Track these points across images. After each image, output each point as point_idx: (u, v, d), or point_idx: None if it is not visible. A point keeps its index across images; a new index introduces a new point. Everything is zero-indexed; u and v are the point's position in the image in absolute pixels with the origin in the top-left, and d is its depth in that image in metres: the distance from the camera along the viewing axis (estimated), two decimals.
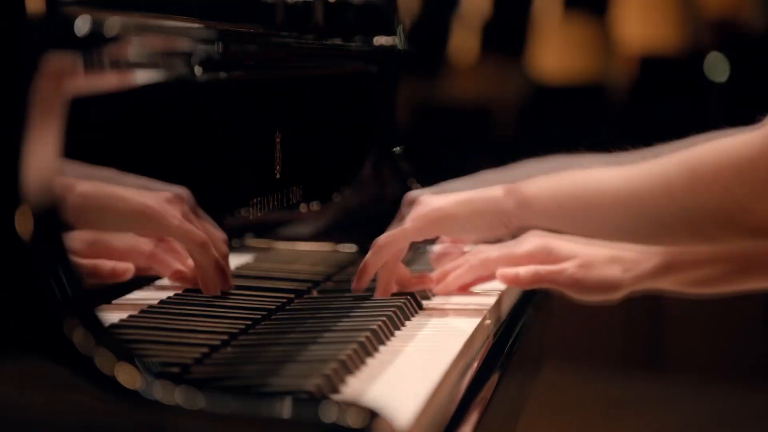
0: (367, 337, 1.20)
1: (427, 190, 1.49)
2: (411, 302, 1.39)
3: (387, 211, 1.88)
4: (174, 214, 1.32)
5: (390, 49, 1.88)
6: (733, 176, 1.29)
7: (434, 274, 1.51)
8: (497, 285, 1.51)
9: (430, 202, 1.42)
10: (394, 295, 1.42)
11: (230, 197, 1.53)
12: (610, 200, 1.35)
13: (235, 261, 1.59)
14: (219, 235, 1.38)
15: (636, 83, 5.67)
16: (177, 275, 1.38)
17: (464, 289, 1.50)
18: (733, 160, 1.32)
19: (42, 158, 0.95)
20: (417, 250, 1.82)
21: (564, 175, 1.40)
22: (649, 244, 1.46)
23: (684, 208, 1.31)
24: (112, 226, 1.29)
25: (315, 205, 1.77)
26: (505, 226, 1.41)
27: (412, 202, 1.45)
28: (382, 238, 1.42)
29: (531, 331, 1.53)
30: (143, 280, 1.38)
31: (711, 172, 1.31)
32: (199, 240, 1.33)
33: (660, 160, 1.35)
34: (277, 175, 1.61)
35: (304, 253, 1.77)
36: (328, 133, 1.83)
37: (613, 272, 1.49)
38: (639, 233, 1.38)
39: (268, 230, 1.72)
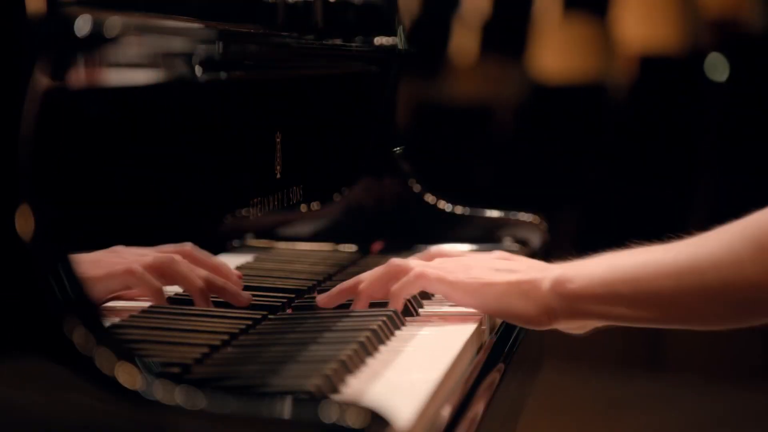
0: (367, 337, 1.20)
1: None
2: (411, 302, 1.39)
3: (387, 211, 1.88)
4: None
5: (390, 49, 1.88)
6: None
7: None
8: None
9: (481, 273, 1.34)
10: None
11: (231, 197, 1.53)
12: (666, 276, 1.27)
13: (236, 261, 1.59)
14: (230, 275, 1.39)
15: (636, 83, 5.67)
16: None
17: None
18: None
19: (42, 158, 0.95)
20: (418, 250, 1.82)
21: (611, 257, 1.32)
22: (705, 323, 1.33)
23: (753, 282, 1.24)
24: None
25: (315, 205, 1.77)
26: (549, 319, 1.32)
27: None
28: (432, 273, 1.34)
29: (531, 331, 1.53)
30: None
31: None
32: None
33: (717, 232, 1.27)
34: (278, 175, 1.61)
35: (305, 253, 1.77)
36: (328, 133, 1.83)
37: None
38: (698, 310, 1.29)
39: (268, 230, 1.72)
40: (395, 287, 1.33)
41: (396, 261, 1.36)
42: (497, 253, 1.42)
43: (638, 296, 1.28)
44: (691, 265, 1.26)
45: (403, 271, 1.34)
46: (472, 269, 1.34)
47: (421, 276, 1.33)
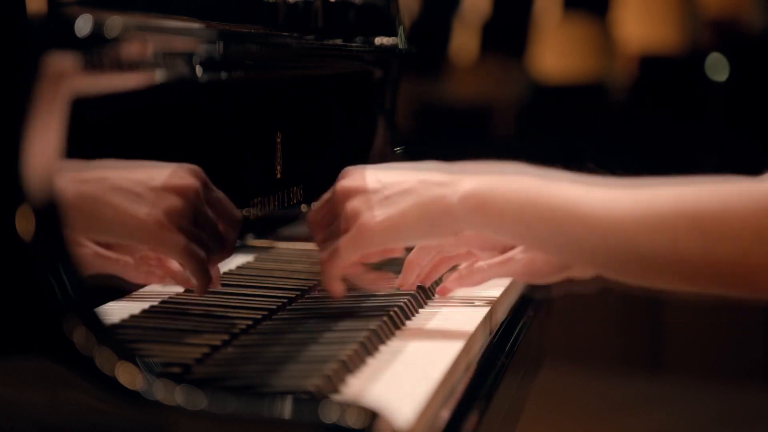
0: (367, 337, 1.20)
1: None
2: (412, 302, 1.39)
3: None
4: (168, 231, 1.24)
5: (391, 49, 1.88)
6: (751, 237, 1.14)
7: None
8: (496, 289, 1.51)
9: (370, 217, 1.26)
10: (395, 294, 1.41)
11: (231, 197, 1.53)
12: (584, 223, 1.19)
13: (236, 261, 1.60)
14: (232, 216, 1.35)
15: (636, 83, 5.67)
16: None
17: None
18: (749, 219, 1.15)
19: (43, 158, 0.95)
20: None
21: (527, 181, 1.25)
22: (623, 278, 1.23)
23: (689, 260, 1.16)
24: (108, 234, 1.24)
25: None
26: (454, 233, 1.26)
27: (347, 192, 1.31)
28: (325, 258, 1.29)
29: (531, 332, 1.53)
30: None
31: (725, 230, 1.15)
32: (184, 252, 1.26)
33: (650, 193, 1.19)
34: (278, 175, 1.61)
35: (305, 252, 1.76)
36: (328, 134, 1.83)
37: None
38: (615, 267, 1.21)
39: (269, 230, 1.72)
40: (326, 262, 1.29)
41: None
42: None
43: (558, 239, 1.21)
44: (622, 223, 1.18)
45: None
46: (360, 215, 1.26)
47: (325, 264, 1.29)
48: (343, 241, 1.27)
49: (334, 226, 1.30)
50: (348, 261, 1.28)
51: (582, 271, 1.35)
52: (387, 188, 1.27)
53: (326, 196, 1.34)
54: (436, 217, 1.24)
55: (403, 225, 1.25)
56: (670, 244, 1.16)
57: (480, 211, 1.23)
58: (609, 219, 1.18)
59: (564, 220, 1.20)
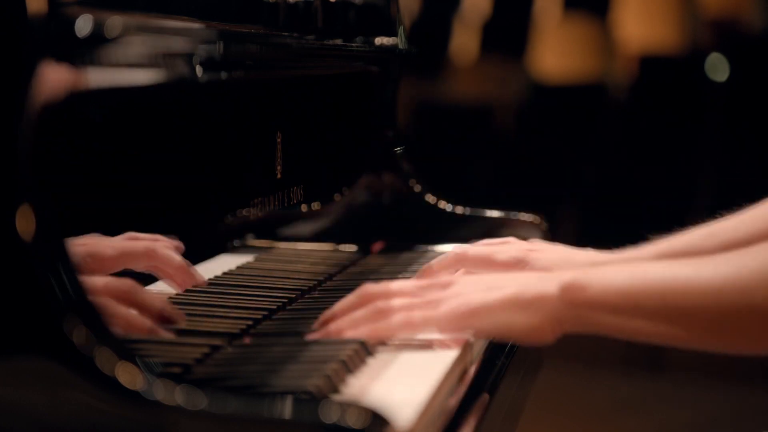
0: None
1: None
2: None
3: (388, 212, 1.88)
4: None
5: (391, 49, 1.88)
6: None
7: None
8: None
9: (472, 296, 1.21)
10: None
11: (232, 197, 1.53)
12: (696, 288, 1.15)
13: (237, 261, 1.60)
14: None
15: (636, 83, 5.67)
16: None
17: None
18: None
19: (43, 158, 0.95)
20: (418, 250, 1.82)
21: (620, 265, 1.24)
22: (732, 342, 1.20)
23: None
24: None
25: (316, 205, 1.78)
26: (552, 324, 1.20)
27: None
28: (413, 319, 1.21)
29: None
30: (143, 279, 1.38)
31: None
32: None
33: (759, 248, 1.16)
34: (278, 176, 1.61)
35: (305, 252, 1.77)
36: (328, 134, 1.83)
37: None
38: (729, 327, 1.16)
39: (269, 230, 1.72)
40: (378, 332, 1.21)
41: (376, 302, 1.22)
42: (482, 249, 1.38)
43: (664, 312, 1.17)
44: (734, 281, 1.14)
45: (384, 313, 1.21)
46: (460, 295, 1.21)
47: (407, 324, 1.20)
48: (441, 314, 1.20)
49: (427, 286, 1.25)
50: (430, 327, 1.22)
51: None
52: (492, 280, 1.24)
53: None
54: (531, 310, 1.19)
55: (494, 312, 1.20)
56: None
57: (581, 298, 1.18)
58: (721, 280, 1.15)
59: (673, 293, 1.16)
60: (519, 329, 1.19)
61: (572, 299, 1.18)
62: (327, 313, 1.23)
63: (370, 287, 1.23)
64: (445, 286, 1.23)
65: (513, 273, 1.30)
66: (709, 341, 1.19)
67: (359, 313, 1.21)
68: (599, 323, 1.19)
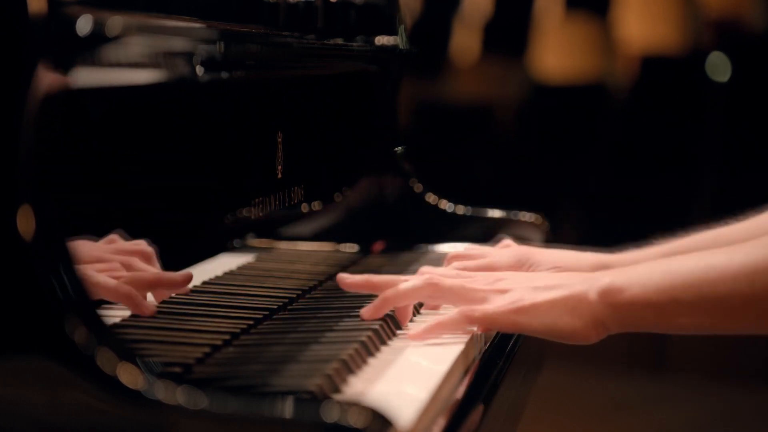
0: (368, 337, 1.20)
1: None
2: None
3: (388, 212, 1.88)
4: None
5: (391, 49, 1.88)
6: None
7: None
8: None
9: (520, 293, 1.25)
10: None
11: (232, 197, 1.53)
12: (731, 276, 1.19)
13: (237, 261, 1.60)
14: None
15: (637, 83, 5.67)
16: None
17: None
18: None
19: (43, 158, 0.95)
20: (419, 250, 1.82)
21: (663, 262, 1.25)
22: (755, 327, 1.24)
23: None
24: None
25: (316, 205, 1.77)
26: (595, 326, 1.24)
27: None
28: (471, 312, 1.25)
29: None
30: None
31: None
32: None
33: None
34: (279, 175, 1.61)
35: (306, 252, 1.77)
36: (329, 133, 1.83)
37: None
38: (752, 315, 1.21)
39: (269, 230, 1.72)
40: (435, 328, 1.25)
41: (437, 285, 1.28)
42: (518, 251, 1.42)
43: (702, 303, 1.20)
44: (766, 264, 1.17)
45: (453, 298, 1.28)
46: (511, 291, 1.26)
47: (466, 318, 1.25)
48: (494, 308, 1.25)
49: (475, 280, 1.30)
50: (482, 325, 1.26)
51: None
52: (538, 279, 1.28)
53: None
54: (576, 313, 1.23)
55: (543, 313, 1.24)
56: None
57: (621, 300, 1.22)
58: (751, 267, 1.18)
59: (707, 280, 1.20)
60: (564, 330, 1.23)
61: (612, 302, 1.22)
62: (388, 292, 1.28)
63: (434, 276, 1.29)
64: (490, 282, 1.28)
65: (558, 273, 1.35)
66: (749, 326, 1.23)
67: (414, 281, 1.28)
68: (641, 322, 1.23)
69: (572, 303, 1.23)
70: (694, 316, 1.22)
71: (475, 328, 1.27)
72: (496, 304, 1.25)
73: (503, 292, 1.26)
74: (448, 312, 1.26)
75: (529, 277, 1.30)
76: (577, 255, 1.51)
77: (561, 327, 1.23)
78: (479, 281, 1.29)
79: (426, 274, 1.31)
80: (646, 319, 1.23)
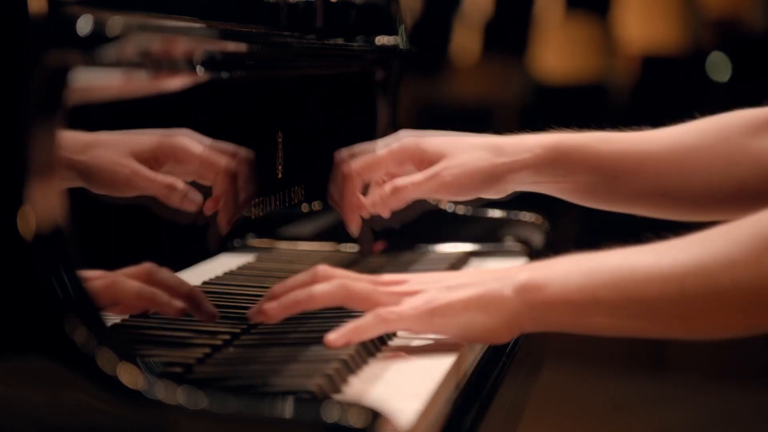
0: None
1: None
2: None
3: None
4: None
5: (392, 49, 1.88)
6: None
7: None
8: None
9: (433, 294, 1.19)
10: None
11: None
12: (657, 277, 1.12)
13: (237, 261, 1.60)
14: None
15: (637, 83, 5.67)
16: None
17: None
18: None
19: (44, 158, 0.95)
20: (419, 250, 1.82)
21: (579, 257, 1.17)
22: (700, 329, 1.19)
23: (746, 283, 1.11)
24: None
25: (317, 205, 1.77)
26: (510, 329, 1.18)
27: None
28: (388, 314, 1.19)
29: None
30: None
31: None
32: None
33: (721, 231, 1.14)
34: (279, 175, 1.61)
35: (306, 253, 1.77)
36: (329, 133, 1.83)
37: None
38: (697, 317, 1.15)
39: (270, 230, 1.72)
40: (352, 333, 1.17)
41: (348, 290, 1.20)
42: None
43: (626, 304, 1.13)
44: (697, 266, 1.11)
45: (364, 303, 1.20)
46: (423, 292, 1.20)
47: (381, 321, 1.18)
48: (407, 309, 1.18)
49: (383, 282, 1.24)
50: (397, 327, 1.21)
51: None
52: (448, 279, 1.22)
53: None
54: (492, 312, 1.17)
55: (458, 314, 1.18)
56: (758, 274, 1.10)
57: (539, 299, 1.15)
58: (683, 267, 1.12)
59: (635, 284, 1.13)
60: (477, 330, 1.18)
61: (529, 300, 1.15)
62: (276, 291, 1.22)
63: (322, 268, 1.22)
64: (401, 282, 1.23)
65: (470, 271, 1.28)
66: (674, 330, 1.18)
67: (323, 286, 1.20)
68: (558, 321, 1.16)
69: (486, 301, 1.16)
70: (616, 318, 1.14)
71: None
72: (410, 305, 1.18)
73: (415, 293, 1.20)
74: (364, 316, 1.18)
75: (439, 277, 1.23)
76: (463, 139, 1.54)
77: (476, 327, 1.17)
78: (387, 282, 1.23)
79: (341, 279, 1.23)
80: (563, 318, 1.15)
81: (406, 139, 1.49)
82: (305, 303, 1.20)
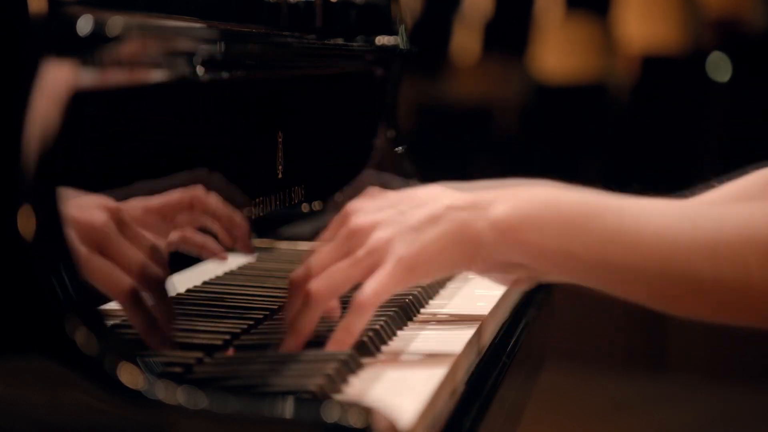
0: (369, 337, 1.20)
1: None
2: (413, 302, 1.39)
3: None
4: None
5: (392, 49, 1.88)
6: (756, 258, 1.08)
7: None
8: (498, 290, 1.51)
9: (404, 250, 1.12)
10: (397, 296, 1.41)
11: (233, 197, 1.53)
12: (640, 250, 1.08)
13: (238, 261, 1.60)
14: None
15: (638, 83, 5.67)
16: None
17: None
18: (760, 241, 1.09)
19: (44, 158, 0.95)
20: None
21: (566, 202, 1.12)
22: (673, 308, 1.15)
23: (761, 291, 1.08)
24: None
25: (317, 205, 1.78)
26: (486, 262, 1.14)
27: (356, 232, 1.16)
28: (366, 298, 1.13)
29: (533, 331, 1.53)
30: None
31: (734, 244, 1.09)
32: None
33: (711, 216, 1.12)
34: (279, 175, 1.61)
35: (307, 253, 1.76)
36: (330, 133, 1.83)
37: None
38: (669, 297, 1.12)
39: (270, 230, 1.72)
40: (344, 335, 1.13)
41: (315, 294, 1.13)
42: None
43: (601, 266, 1.10)
44: (681, 247, 1.09)
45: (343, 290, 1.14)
46: (392, 246, 1.12)
47: (363, 306, 1.13)
48: (382, 280, 1.12)
49: (352, 257, 1.15)
50: (382, 300, 1.14)
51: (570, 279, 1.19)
52: (409, 213, 1.15)
53: (337, 220, 1.23)
54: (466, 247, 1.13)
55: (434, 258, 1.13)
56: (741, 275, 1.08)
57: (513, 239, 1.11)
58: (668, 246, 1.09)
59: (615, 248, 1.09)
60: (455, 264, 1.14)
61: (505, 238, 1.11)
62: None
63: (294, 274, 1.17)
64: (365, 234, 1.15)
65: (430, 193, 1.17)
66: (644, 299, 1.14)
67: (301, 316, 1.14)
68: (532, 264, 1.13)
69: (460, 236, 1.11)
70: (587, 275, 1.11)
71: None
72: (383, 273, 1.12)
73: (385, 250, 1.12)
74: (346, 313, 1.14)
75: (401, 209, 1.15)
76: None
77: (453, 262, 1.13)
78: (356, 239, 1.15)
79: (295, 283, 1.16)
80: (537, 262, 1.12)
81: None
82: (304, 327, 1.15)
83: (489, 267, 1.16)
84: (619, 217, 1.12)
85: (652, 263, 1.10)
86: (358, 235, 1.17)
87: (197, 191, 1.32)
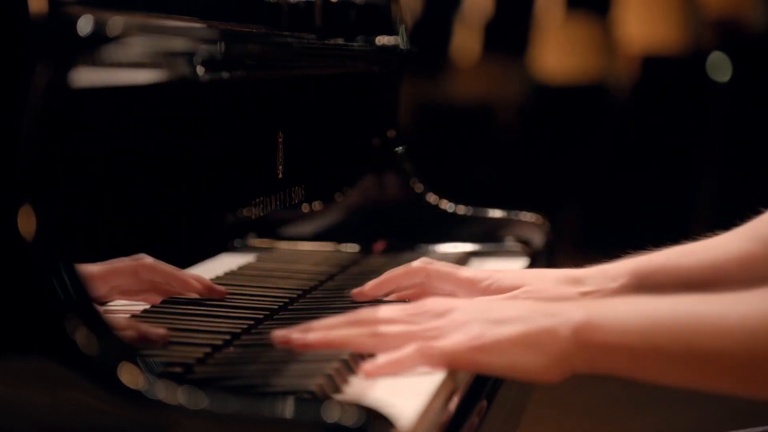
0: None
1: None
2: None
3: (389, 211, 1.88)
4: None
5: (392, 49, 1.88)
6: None
7: None
8: None
9: (478, 329, 1.10)
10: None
11: (233, 197, 1.53)
12: (723, 332, 1.06)
13: (238, 261, 1.60)
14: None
15: (638, 83, 5.67)
16: None
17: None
18: None
19: (44, 158, 0.95)
20: (419, 250, 1.82)
21: (640, 300, 1.11)
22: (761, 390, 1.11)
23: None
24: None
25: (317, 205, 1.78)
26: (562, 364, 1.12)
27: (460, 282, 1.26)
28: (437, 353, 1.10)
29: None
30: None
31: None
32: None
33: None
34: (280, 175, 1.61)
35: (307, 252, 1.77)
36: (330, 133, 1.83)
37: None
38: (759, 377, 1.07)
39: (270, 230, 1.72)
40: (391, 366, 1.10)
41: (382, 338, 1.11)
42: (485, 276, 1.28)
43: (688, 356, 1.07)
44: (759, 327, 1.05)
45: (382, 337, 1.11)
46: (468, 325, 1.11)
47: (423, 356, 1.10)
48: (451, 346, 1.10)
49: (420, 313, 1.14)
50: (440, 365, 1.11)
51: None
52: (495, 311, 1.13)
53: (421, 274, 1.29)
54: (545, 349, 1.09)
55: (510, 350, 1.10)
56: None
57: (596, 339, 1.09)
58: (752, 328, 1.05)
59: (698, 332, 1.06)
60: (524, 368, 1.10)
61: (585, 342, 1.09)
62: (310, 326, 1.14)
63: (360, 313, 1.15)
64: (441, 314, 1.14)
65: (516, 302, 1.21)
66: (734, 387, 1.10)
67: (354, 332, 1.12)
68: (614, 366, 1.11)
69: (537, 339, 1.09)
70: (674, 369, 1.09)
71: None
72: (453, 340, 1.10)
73: (458, 325, 1.11)
74: (405, 349, 1.10)
75: (483, 308, 1.14)
76: (539, 271, 1.40)
77: (523, 365, 1.10)
78: (429, 314, 1.14)
79: (365, 323, 1.13)
80: (619, 363, 1.10)
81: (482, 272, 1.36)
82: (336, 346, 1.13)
83: (565, 375, 1.14)
84: (692, 304, 1.10)
85: (737, 344, 1.07)
86: (434, 312, 1.14)
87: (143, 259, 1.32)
